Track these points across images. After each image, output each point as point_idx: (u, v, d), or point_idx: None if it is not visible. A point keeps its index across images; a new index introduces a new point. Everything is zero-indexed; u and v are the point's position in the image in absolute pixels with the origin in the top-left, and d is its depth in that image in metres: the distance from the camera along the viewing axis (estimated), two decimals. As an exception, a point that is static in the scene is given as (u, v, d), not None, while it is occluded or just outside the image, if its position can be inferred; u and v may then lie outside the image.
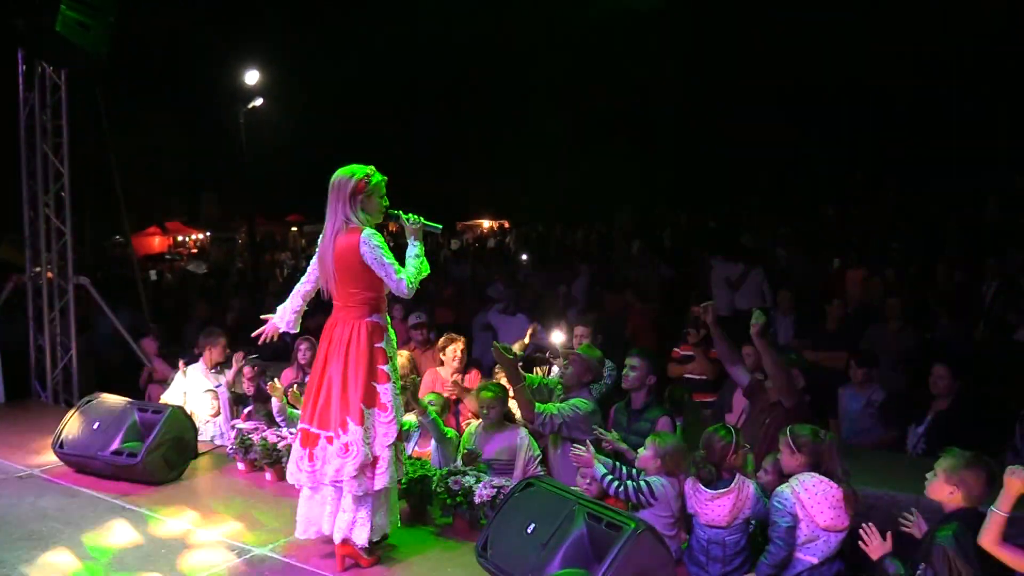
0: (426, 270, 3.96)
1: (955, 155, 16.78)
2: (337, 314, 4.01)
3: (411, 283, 3.85)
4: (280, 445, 5.31)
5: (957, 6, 17.28)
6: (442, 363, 6.52)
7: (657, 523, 4.01)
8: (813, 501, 3.84)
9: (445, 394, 5.82)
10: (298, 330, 4.42)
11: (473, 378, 6.48)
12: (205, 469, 5.74)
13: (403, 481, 4.38)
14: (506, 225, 28.65)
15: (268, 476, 5.43)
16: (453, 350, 6.42)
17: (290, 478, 4.10)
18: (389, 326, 4.08)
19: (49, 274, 8.25)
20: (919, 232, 12.41)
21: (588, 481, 4.53)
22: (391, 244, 3.95)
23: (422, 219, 4.03)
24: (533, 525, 3.77)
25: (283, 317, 4.30)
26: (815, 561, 3.89)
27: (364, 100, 27.40)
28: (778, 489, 3.98)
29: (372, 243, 3.81)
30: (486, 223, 31.72)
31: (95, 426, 5.55)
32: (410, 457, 4.93)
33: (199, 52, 21.92)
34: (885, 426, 6.17)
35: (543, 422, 5.08)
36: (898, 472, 4.96)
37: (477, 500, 4.36)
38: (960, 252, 10.22)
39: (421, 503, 4.68)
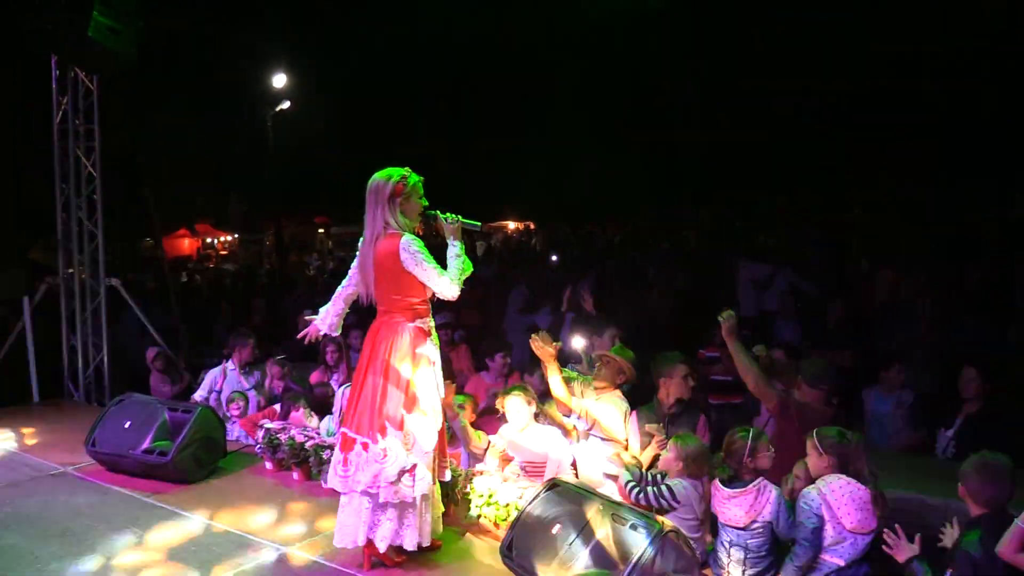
0: (469, 268, 3.94)
1: (981, 153, 16.54)
2: (380, 319, 4.00)
3: (455, 283, 3.84)
4: (308, 444, 5.36)
5: (980, 4, 17.05)
6: (487, 368, 6.60)
7: (682, 525, 4.00)
8: (840, 503, 3.81)
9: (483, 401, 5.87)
10: (339, 332, 4.43)
11: (515, 382, 6.51)
12: (234, 468, 5.80)
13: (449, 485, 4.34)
14: (531, 226, 28.64)
15: (295, 475, 5.48)
16: (502, 357, 6.55)
17: (328, 482, 4.10)
18: (433, 331, 4.06)
19: (81, 275, 8.39)
20: (948, 232, 12.24)
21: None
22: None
23: (460, 217, 4.01)
24: (558, 525, 3.79)
25: (325, 319, 4.30)
26: (842, 564, 3.85)
27: (390, 101, 27.51)
28: (804, 490, 3.95)
29: (412, 249, 3.80)
30: (511, 224, 31.73)
31: (126, 425, 5.64)
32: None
33: (227, 55, 22.13)
34: (914, 428, 6.10)
35: (580, 416, 5.10)
36: (927, 475, 4.90)
37: (503, 501, 4.37)
38: (990, 252, 10.06)
39: (446, 503, 4.70)
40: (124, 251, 9.71)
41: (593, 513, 3.74)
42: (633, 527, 3.57)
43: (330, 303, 4.30)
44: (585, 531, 3.69)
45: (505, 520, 4.41)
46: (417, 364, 3.92)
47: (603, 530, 3.64)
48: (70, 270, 8.40)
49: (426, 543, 4.04)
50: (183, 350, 8.97)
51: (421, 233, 4.01)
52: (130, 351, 9.12)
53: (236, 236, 33.36)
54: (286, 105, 21.77)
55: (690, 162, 23.94)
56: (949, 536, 3.65)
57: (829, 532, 3.86)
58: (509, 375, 6.65)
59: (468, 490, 4.54)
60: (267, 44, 22.16)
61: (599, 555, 3.59)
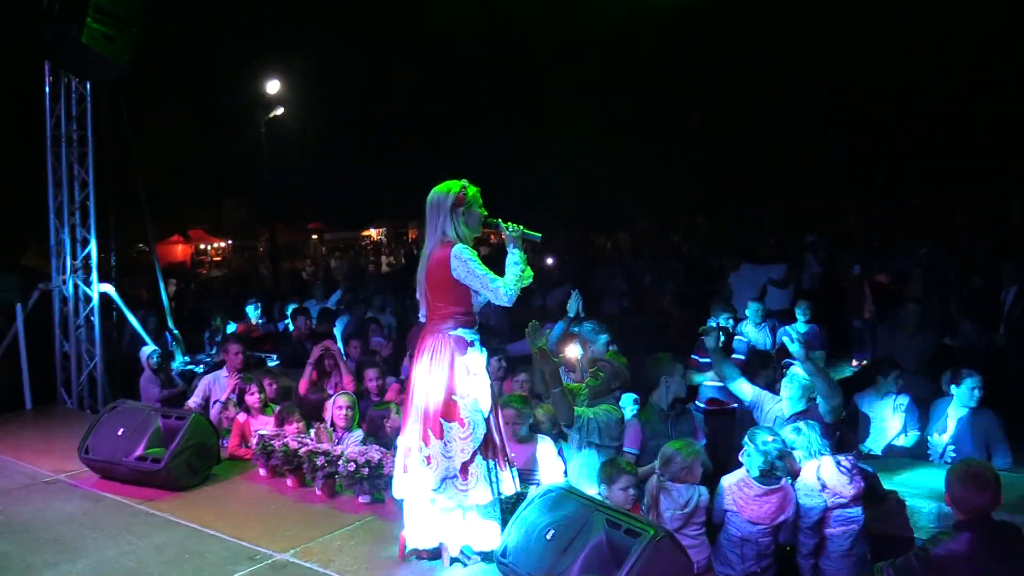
0: (528, 276, 3.97)
1: (979, 160, 16.65)
2: (427, 327, 4.07)
3: (509, 290, 3.87)
4: (302, 451, 5.35)
5: (982, 12, 17.16)
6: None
7: (690, 531, 4.04)
8: (834, 479, 3.91)
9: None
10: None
11: (506, 386, 6.53)
12: (227, 475, 5.78)
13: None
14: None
15: (289, 482, 5.47)
16: (497, 360, 6.60)
17: (395, 493, 4.16)
18: (477, 342, 4.07)
19: (75, 282, 8.37)
20: (941, 238, 12.31)
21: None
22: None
23: (522, 227, 4.06)
24: (552, 531, 3.79)
25: None
26: (838, 532, 3.98)
27: (384, 109, 27.56)
28: (802, 479, 4.03)
29: (463, 256, 3.85)
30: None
31: (120, 432, 5.61)
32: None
33: (221, 62, 22.15)
34: (907, 432, 6.12)
35: (580, 426, 5.10)
36: (922, 479, 4.94)
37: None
38: (982, 258, 10.12)
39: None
40: (117, 258, 9.66)
41: (587, 518, 3.74)
42: (627, 532, 3.57)
43: None
44: (580, 536, 3.69)
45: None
46: (457, 372, 3.95)
47: (597, 536, 3.65)
48: (63, 276, 8.38)
49: (489, 547, 4.06)
50: (175, 357, 8.95)
51: (494, 240, 4.05)
52: (123, 358, 9.10)
53: (230, 242, 33.33)
54: (280, 111, 21.77)
55: (686, 169, 24.01)
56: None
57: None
58: (504, 378, 6.67)
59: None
60: (261, 50, 22.20)
61: (593, 560, 3.59)
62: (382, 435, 5.74)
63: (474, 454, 3.94)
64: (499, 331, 8.83)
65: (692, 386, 6.65)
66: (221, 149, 24.19)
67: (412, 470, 3.97)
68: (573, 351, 6.32)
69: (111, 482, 5.55)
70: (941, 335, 7.62)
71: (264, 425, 6.11)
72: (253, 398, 6.29)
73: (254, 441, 5.76)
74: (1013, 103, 16.11)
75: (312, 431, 5.76)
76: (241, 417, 6.28)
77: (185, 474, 5.42)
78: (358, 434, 5.81)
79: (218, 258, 31.60)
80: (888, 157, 19.90)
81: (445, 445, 3.90)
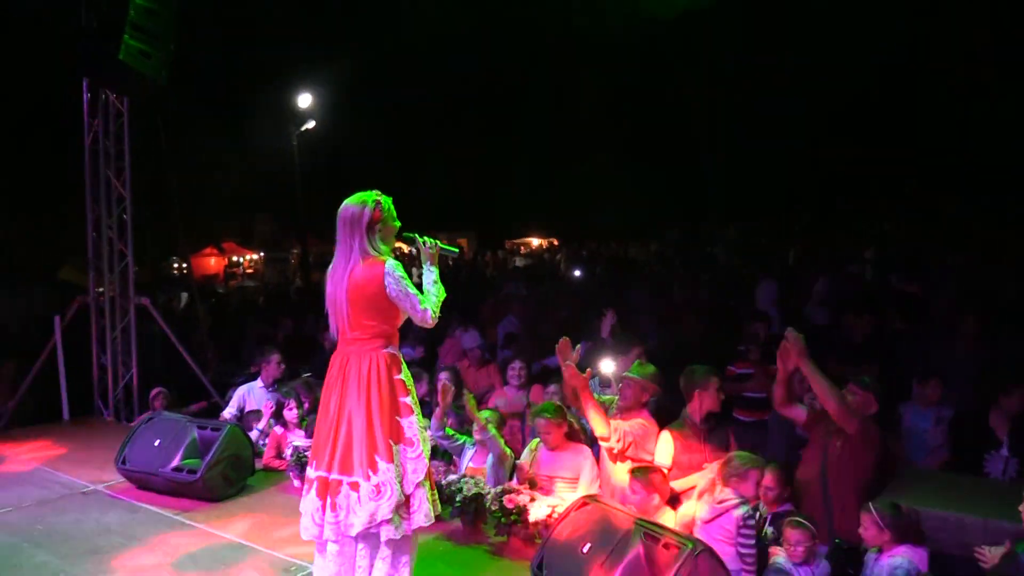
0: (443, 295, 3.80)
1: (1013, 166, 16.35)
2: (347, 348, 3.76)
3: (435, 312, 3.71)
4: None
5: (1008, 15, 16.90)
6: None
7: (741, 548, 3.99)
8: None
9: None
10: None
11: (536, 394, 6.48)
12: (262, 486, 5.81)
13: (447, 507, 4.17)
14: (555, 243, 28.66)
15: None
16: (520, 366, 6.52)
17: (304, 534, 3.74)
18: (402, 358, 3.85)
19: (111, 294, 8.47)
20: (977, 246, 12.07)
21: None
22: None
23: (439, 242, 3.91)
24: (589, 544, 3.74)
25: None
26: None
27: (413, 120, 27.73)
28: (896, 561, 3.94)
29: (396, 275, 3.64)
30: (535, 241, 31.77)
31: (156, 443, 5.67)
32: (464, 475, 4.95)
33: (253, 75, 22.44)
34: (952, 445, 5.97)
35: (618, 440, 5.05)
36: (967, 493, 4.80)
37: (531, 519, 4.33)
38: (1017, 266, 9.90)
39: (475, 521, 4.67)
40: (153, 270, 9.78)
41: (624, 531, 3.69)
42: (666, 546, 3.52)
43: None
44: (617, 549, 3.64)
45: (534, 538, 4.38)
46: (397, 392, 3.71)
47: (635, 549, 3.59)
48: (100, 289, 8.49)
49: None
50: (211, 368, 9.02)
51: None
52: (158, 370, 9.18)
53: (262, 254, 33.66)
54: (311, 125, 22.02)
55: (715, 179, 23.89)
56: (989, 556, 3.59)
57: None
58: (529, 384, 6.62)
59: (495, 508, 4.49)
60: (293, 64, 22.46)
61: (631, 573, 3.54)
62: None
63: (427, 474, 3.74)
64: (525, 344, 8.79)
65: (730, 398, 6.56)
66: (253, 162, 24.45)
67: (348, 505, 3.60)
68: (607, 367, 6.27)
69: (148, 492, 5.61)
70: (981, 346, 7.44)
71: (299, 436, 6.13)
72: (292, 413, 6.32)
73: (288, 452, 5.78)
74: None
75: None
76: (278, 429, 6.32)
77: (220, 485, 5.44)
78: None
79: (250, 270, 31.92)
80: (922, 163, 19.63)
81: (397, 469, 3.61)
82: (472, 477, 4.80)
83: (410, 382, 3.80)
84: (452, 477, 4.85)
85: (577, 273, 14.02)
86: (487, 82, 26.21)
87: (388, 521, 3.59)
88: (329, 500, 3.64)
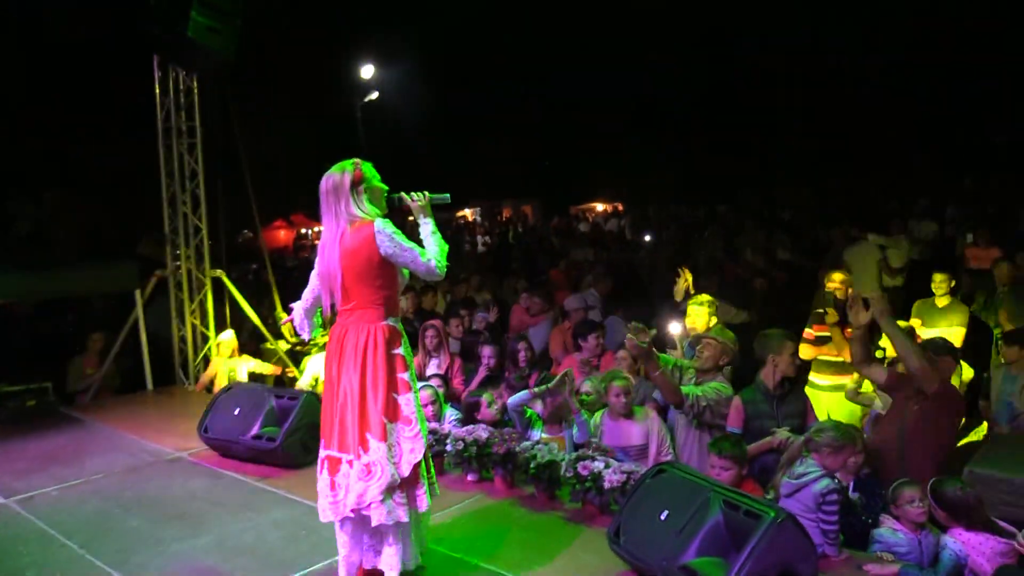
0: (444, 246, 3.64)
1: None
2: (345, 320, 3.62)
3: (440, 262, 3.57)
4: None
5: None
6: (579, 348, 6.55)
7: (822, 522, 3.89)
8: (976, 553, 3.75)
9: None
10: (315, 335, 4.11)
11: (607, 362, 6.44)
12: (339, 453, 5.89)
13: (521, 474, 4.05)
14: (620, 208, 28.35)
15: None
16: (595, 338, 6.42)
17: (323, 516, 3.63)
18: (403, 331, 3.71)
19: (188, 268, 8.70)
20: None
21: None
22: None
23: (428, 192, 3.75)
24: (667, 512, 3.70)
25: (302, 327, 4.02)
26: None
27: (477, 88, 27.65)
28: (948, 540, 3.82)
29: (387, 231, 3.50)
30: (599, 206, 31.49)
31: (236, 412, 5.81)
32: (538, 440, 4.95)
33: (319, 47, 22.63)
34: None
35: (691, 405, 4.99)
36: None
37: (607, 485, 4.30)
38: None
39: (550, 488, 4.67)
40: (226, 243, 10.01)
41: (703, 499, 3.63)
42: (747, 514, 3.44)
43: (301, 316, 3.97)
44: (695, 518, 3.58)
45: (609, 505, 4.35)
46: (395, 366, 3.57)
47: (714, 517, 3.53)
48: (177, 263, 8.72)
49: (412, 566, 3.71)
50: (285, 338, 9.20)
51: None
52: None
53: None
54: (375, 95, 22.15)
55: (787, 141, 23.23)
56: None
57: None
58: (602, 355, 6.57)
59: (570, 475, 4.48)
60: (357, 35, 22.56)
61: (711, 542, 3.48)
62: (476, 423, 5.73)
63: (424, 455, 3.62)
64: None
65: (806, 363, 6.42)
66: (319, 134, 24.72)
67: (346, 484, 3.46)
68: (674, 328, 6.20)
69: (229, 460, 5.76)
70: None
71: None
72: None
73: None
74: None
75: None
76: None
77: (299, 452, 5.55)
78: (451, 412, 5.80)
79: (318, 241, 32.37)
80: (1011, 119, 18.73)
81: (390, 449, 3.48)
82: (546, 444, 4.79)
83: (410, 357, 3.67)
84: (525, 444, 4.84)
85: (647, 238, 13.82)
86: (550, 49, 25.92)
87: (381, 503, 3.44)
88: (332, 479, 3.52)
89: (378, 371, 3.52)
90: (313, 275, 3.82)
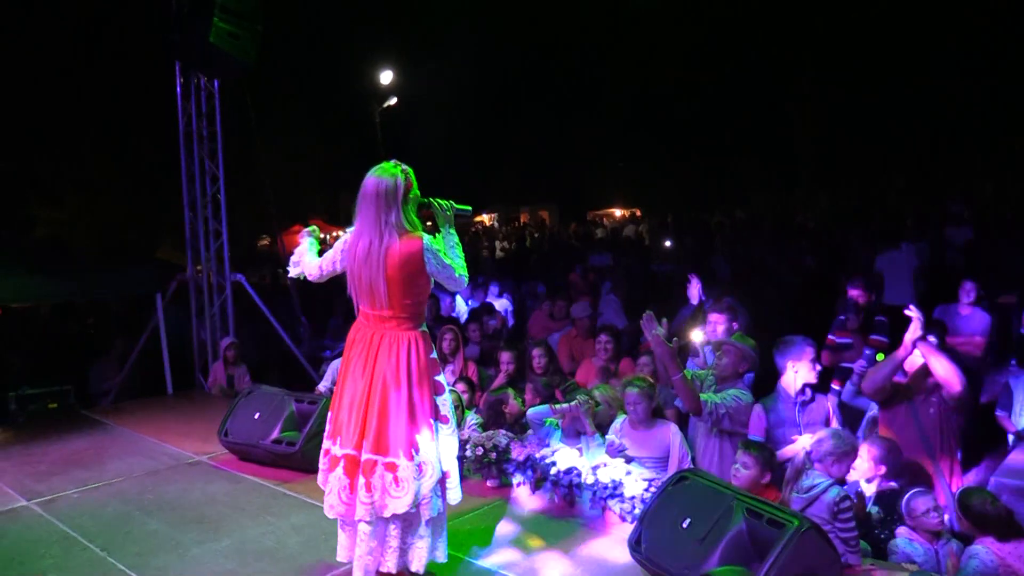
0: (463, 256, 3.74)
1: None
2: (380, 327, 3.64)
3: (466, 275, 3.69)
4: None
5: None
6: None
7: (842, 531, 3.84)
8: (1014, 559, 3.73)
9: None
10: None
11: (625, 368, 6.40)
12: (358, 458, 5.88)
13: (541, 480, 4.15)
14: (638, 213, 28.29)
15: (417, 466, 5.51)
16: (607, 338, 6.40)
17: (331, 512, 3.69)
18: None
19: (208, 272, 8.75)
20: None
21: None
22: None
23: (453, 203, 3.78)
24: (688, 520, 3.66)
25: (296, 264, 4.14)
26: None
27: (494, 96, 27.70)
28: (976, 551, 3.77)
29: (434, 249, 3.56)
30: (618, 212, 31.44)
31: (256, 416, 5.82)
32: (558, 448, 4.92)
33: (336, 53, 22.77)
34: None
35: (709, 412, 4.94)
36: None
37: (628, 493, 4.28)
38: None
39: (570, 494, 4.65)
40: (245, 247, 10.08)
41: (726, 507, 3.60)
42: (770, 522, 3.41)
43: (314, 266, 4.01)
44: (718, 526, 3.55)
45: (632, 513, 4.32)
46: (433, 372, 3.69)
47: (737, 526, 3.50)
48: (198, 267, 8.77)
49: (442, 559, 3.80)
50: (305, 343, 9.24)
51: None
52: (254, 344, 9.45)
53: (348, 231, 34.31)
54: (393, 101, 22.25)
55: (802, 147, 23.10)
56: None
57: None
58: (617, 358, 6.53)
59: (591, 482, 4.45)
60: (375, 41, 22.68)
61: (734, 551, 3.45)
62: (501, 421, 5.72)
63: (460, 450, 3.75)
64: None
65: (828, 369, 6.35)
66: (337, 140, 24.85)
67: (384, 485, 3.53)
68: (696, 336, 6.15)
69: (249, 464, 5.77)
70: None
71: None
72: None
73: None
74: None
75: None
76: None
77: (319, 457, 5.54)
78: (472, 417, 5.79)
79: (340, 241, 32.49)
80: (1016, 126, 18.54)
81: (438, 448, 3.64)
82: (566, 451, 4.76)
83: (437, 359, 3.79)
84: (545, 450, 4.82)
85: (668, 244, 13.76)
86: (569, 56, 25.93)
87: (427, 500, 3.59)
88: (363, 480, 3.55)
89: (423, 376, 3.63)
90: (340, 262, 3.81)
